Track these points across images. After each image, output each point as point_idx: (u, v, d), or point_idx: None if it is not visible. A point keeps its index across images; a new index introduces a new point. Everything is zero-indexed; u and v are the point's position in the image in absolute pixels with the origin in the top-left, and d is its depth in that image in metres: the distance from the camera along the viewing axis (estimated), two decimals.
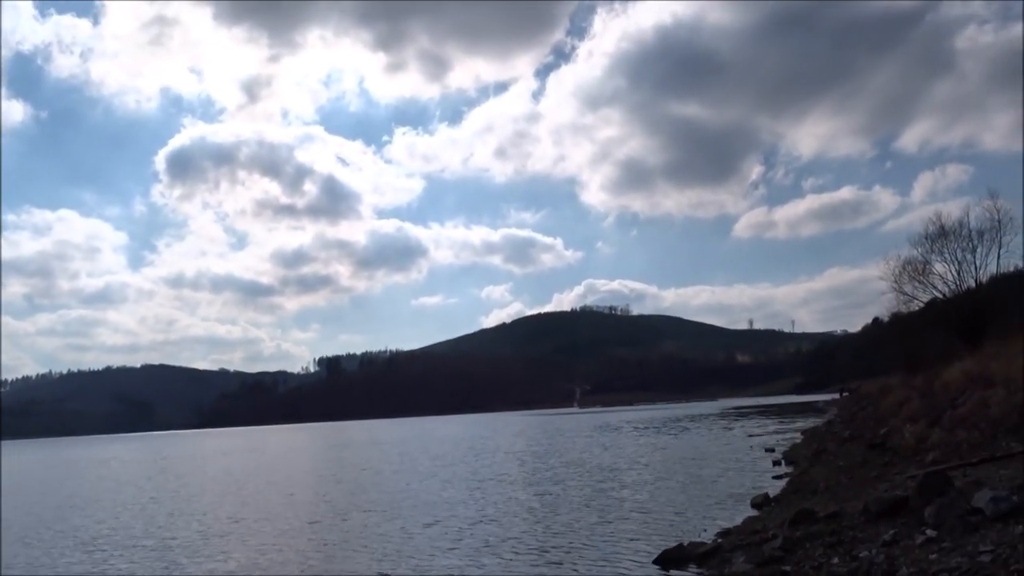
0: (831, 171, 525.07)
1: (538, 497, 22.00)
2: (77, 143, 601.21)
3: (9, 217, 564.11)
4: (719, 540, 12.19)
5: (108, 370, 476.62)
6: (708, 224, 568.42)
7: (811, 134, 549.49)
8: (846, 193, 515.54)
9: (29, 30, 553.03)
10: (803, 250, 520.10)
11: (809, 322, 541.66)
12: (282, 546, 16.48)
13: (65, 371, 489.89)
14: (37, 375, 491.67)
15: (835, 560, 8.65)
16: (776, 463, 27.22)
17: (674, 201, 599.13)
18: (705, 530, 14.42)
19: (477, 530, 16.79)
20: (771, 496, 17.37)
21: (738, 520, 14.92)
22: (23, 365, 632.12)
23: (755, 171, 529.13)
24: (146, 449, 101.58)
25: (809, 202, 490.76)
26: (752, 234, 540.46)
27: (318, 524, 19.58)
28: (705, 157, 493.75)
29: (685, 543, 11.91)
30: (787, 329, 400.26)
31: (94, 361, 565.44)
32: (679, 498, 19.79)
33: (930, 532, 8.57)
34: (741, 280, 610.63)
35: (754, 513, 15.70)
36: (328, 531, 18.31)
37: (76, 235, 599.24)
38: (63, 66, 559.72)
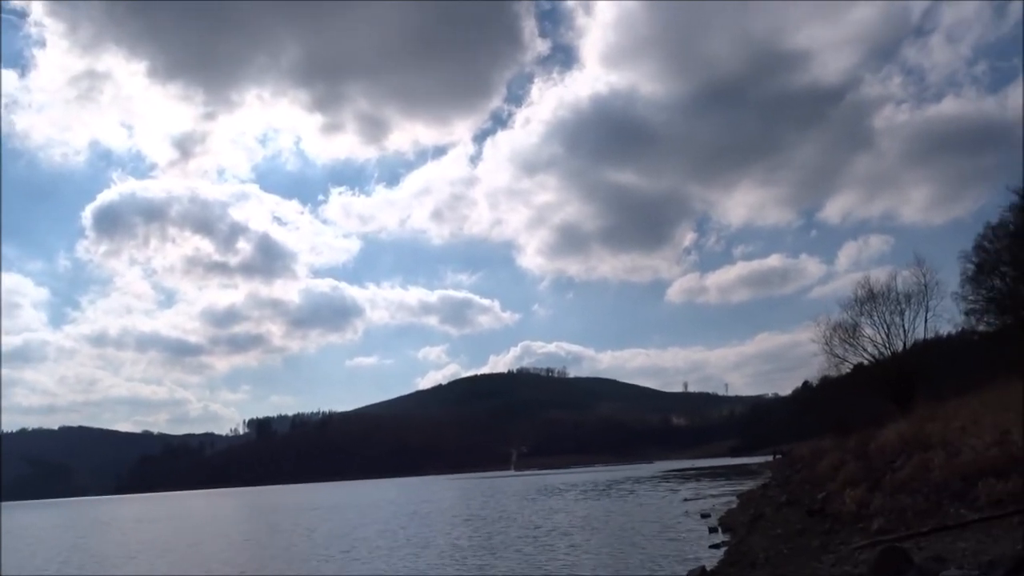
0: (760, 239, 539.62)
1: (471, 569, 20.20)
2: None
3: None
4: None
5: (23, 432, 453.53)
6: (643, 288, 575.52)
7: (741, 203, 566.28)
8: (774, 260, 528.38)
9: None
10: (734, 315, 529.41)
11: (741, 385, 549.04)
12: None
13: None
14: None
15: None
16: (712, 530, 25.91)
17: (609, 265, 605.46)
18: None
19: None
20: (708, 569, 15.97)
21: None
22: None
23: (688, 238, 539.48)
24: (59, 516, 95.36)
25: (739, 268, 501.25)
26: (685, 299, 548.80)
27: None
28: (639, 223, 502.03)
29: None
30: (720, 392, 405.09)
31: (8, 423, 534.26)
32: (610, 571, 18.28)
33: None
34: (675, 343, 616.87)
35: None
36: None
37: None
38: None
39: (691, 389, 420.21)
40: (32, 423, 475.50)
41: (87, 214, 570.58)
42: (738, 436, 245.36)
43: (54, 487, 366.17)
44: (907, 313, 42.19)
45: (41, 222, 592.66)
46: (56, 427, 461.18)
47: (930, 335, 43.15)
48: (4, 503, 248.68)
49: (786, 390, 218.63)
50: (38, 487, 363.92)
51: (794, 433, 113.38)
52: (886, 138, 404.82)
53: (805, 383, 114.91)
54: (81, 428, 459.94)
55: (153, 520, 67.55)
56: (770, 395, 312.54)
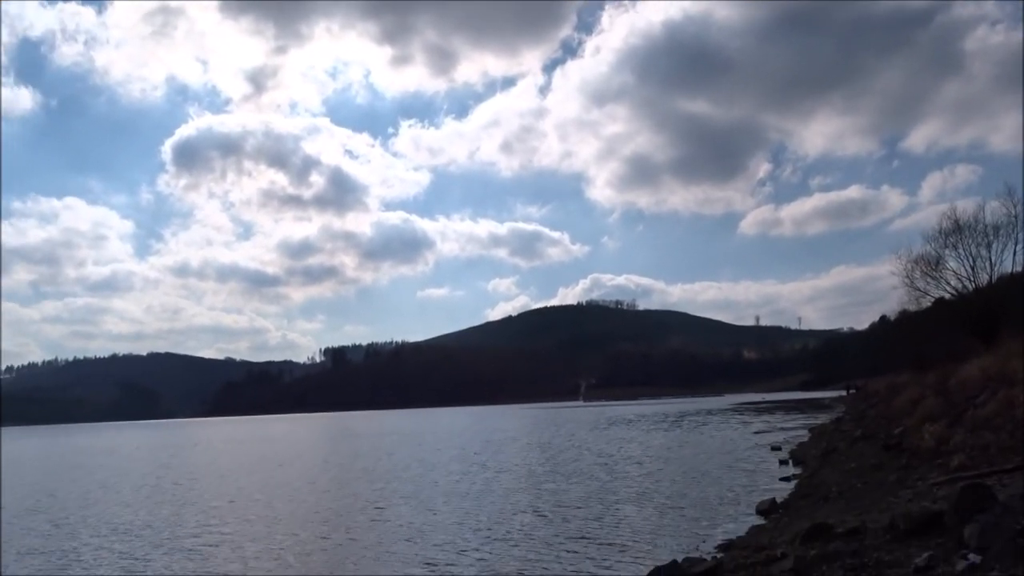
0: (838, 170, 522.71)
1: (537, 498, 20.58)
2: (82, 131, 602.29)
3: (15, 204, 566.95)
4: (720, 556, 10.73)
5: (114, 358, 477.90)
6: (714, 221, 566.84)
7: (818, 133, 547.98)
8: (853, 192, 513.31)
9: (35, 16, 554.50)
10: (810, 248, 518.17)
11: (815, 319, 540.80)
12: (314, 537, 15.51)
13: (71, 358, 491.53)
14: (43, 362, 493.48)
15: None
16: (783, 463, 25.81)
17: (680, 197, 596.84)
18: (704, 541, 13.00)
19: (468, 537, 15.42)
20: (778, 501, 15.89)
21: (742, 529, 13.50)
22: (29, 352, 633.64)
23: (762, 169, 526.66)
24: (153, 437, 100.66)
25: (816, 200, 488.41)
26: (758, 231, 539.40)
27: (348, 517, 18.64)
28: (712, 154, 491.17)
29: (680, 559, 10.44)
30: (793, 326, 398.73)
31: (100, 349, 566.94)
32: (679, 500, 18.38)
33: (973, 557, 7.09)
34: (747, 277, 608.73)
35: (760, 521, 14.25)
36: (361, 526, 17.11)
37: (82, 223, 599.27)
38: (67, 54, 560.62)
39: (763, 323, 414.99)
40: (122, 349, 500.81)
41: (167, 148, 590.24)
42: (811, 370, 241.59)
43: (144, 410, 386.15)
44: (995, 246, 40.24)
45: (123, 156, 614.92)
46: (144, 353, 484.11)
47: (1018, 268, 41.22)
48: (98, 424, 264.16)
49: (862, 324, 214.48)
50: (129, 410, 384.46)
51: (869, 368, 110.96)
52: (977, 61, 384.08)
53: (883, 317, 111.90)
54: (168, 355, 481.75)
55: (240, 442, 70.76)
56: (845, 329, 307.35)
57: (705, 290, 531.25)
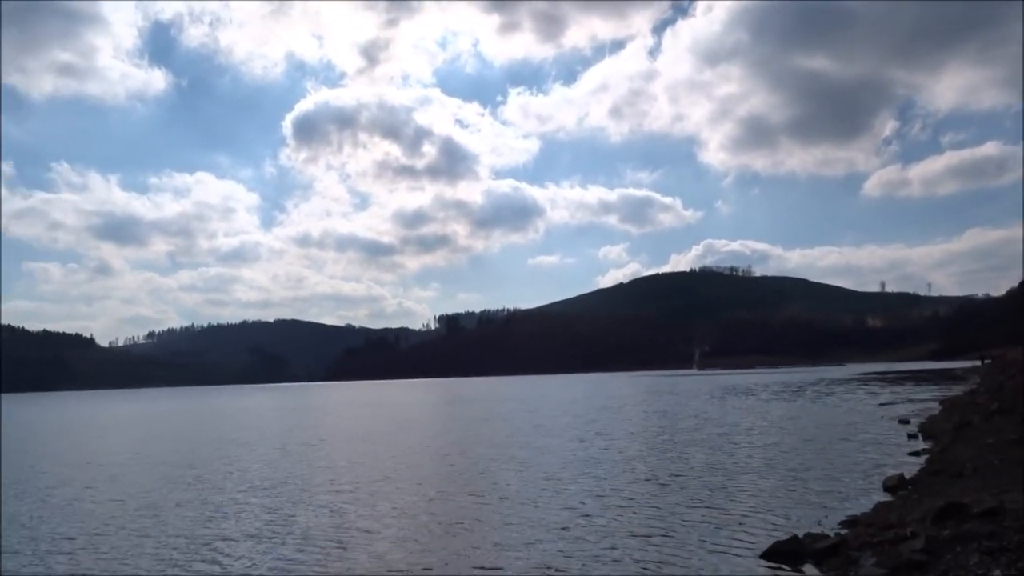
0: (973, 125, 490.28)
1: (656, 466, 20.60)
2: (210, 109, 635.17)
3: (152, 180, 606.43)
4: (843, 532, 10.57)
5: (244, 324, 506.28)
6: (836, 183, 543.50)
7: (950, 86, 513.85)
8: (990, 149, 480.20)
9: (165, 2, 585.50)
10: (940, 209, 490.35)
11: (947, 285, 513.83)
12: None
13: (205, 324, 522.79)
14: (180, 328, 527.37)
15: (996, 572, 7.02)
16: (912, 437, 24.85)
17: (798, 159, 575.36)
18: (827, 516, 12.77)
19: (589, 503, 15.71)
20: (907, 477, 15.42)
21: (867, 506, 13.19)
22: (168, 318, 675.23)
23: (888, 126, 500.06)
24: (284, 399, 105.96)
25: (948, 159, 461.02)
26: (884, 192, 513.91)
27: (472, 480, 19.28)
28: (833, 112, 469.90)
29: (801, 535, 10.36)
30: (923, 292, 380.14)
31: (231, 316, 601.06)
32: (800, 473, 18.06)
33: None
34: (872, 241, 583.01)
35: (886, 498, 13.88)
36: (484, 488, 17.74)
37: (212, 196, 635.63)
38: (194, 36, 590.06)
39: (889, 289, 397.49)
40: (251, 316, 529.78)
41: (287, 123, 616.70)
42: (941, 339, 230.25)
43: (272, 374, 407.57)
44: None
45: (248, 132, 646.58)
46: (272, 320, 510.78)
47: None
48: (232, 387, 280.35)
49: (999, 290, 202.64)
50: (259, 373, 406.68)
51: (1006, 336, 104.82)
52: None
53: (1022, 283, 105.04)
54: (293, 321, 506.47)
55: (365, 405, 73.91)
56: (980, 296, 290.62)
57: (825, 255, 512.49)
